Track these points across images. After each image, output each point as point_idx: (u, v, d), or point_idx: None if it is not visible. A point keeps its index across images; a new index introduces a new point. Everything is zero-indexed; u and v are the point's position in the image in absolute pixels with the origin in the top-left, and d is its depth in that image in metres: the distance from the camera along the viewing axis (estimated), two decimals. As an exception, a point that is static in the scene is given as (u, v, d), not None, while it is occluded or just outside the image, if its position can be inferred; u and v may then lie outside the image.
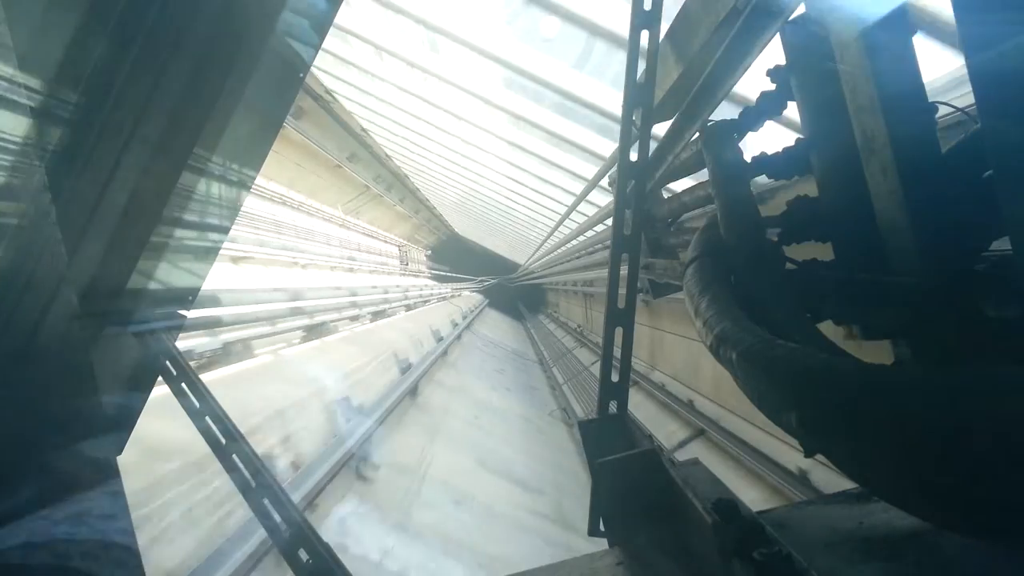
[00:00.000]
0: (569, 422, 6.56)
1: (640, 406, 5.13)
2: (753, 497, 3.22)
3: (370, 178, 12.03)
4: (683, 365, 5.10)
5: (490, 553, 3.07)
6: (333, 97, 7.97)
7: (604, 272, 6.78)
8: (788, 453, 3.15)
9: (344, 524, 2.72)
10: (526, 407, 7.23)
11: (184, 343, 3.82)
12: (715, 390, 4.33)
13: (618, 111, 1.73)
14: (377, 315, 8.44)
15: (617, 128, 1.74)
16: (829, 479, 2.90)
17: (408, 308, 10.69)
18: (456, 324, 11.28)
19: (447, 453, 4.37)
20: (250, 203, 7.17)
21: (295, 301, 5.84)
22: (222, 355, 4.18)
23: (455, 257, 24.21)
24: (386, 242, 15.78)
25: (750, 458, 3.45)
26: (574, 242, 7.39)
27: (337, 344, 5.78)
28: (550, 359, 10.74)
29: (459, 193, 10.57)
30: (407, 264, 17.57)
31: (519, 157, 5.49)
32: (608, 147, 4.20)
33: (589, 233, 6.32)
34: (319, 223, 10.28)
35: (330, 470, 2.99)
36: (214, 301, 4.30)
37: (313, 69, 7.16)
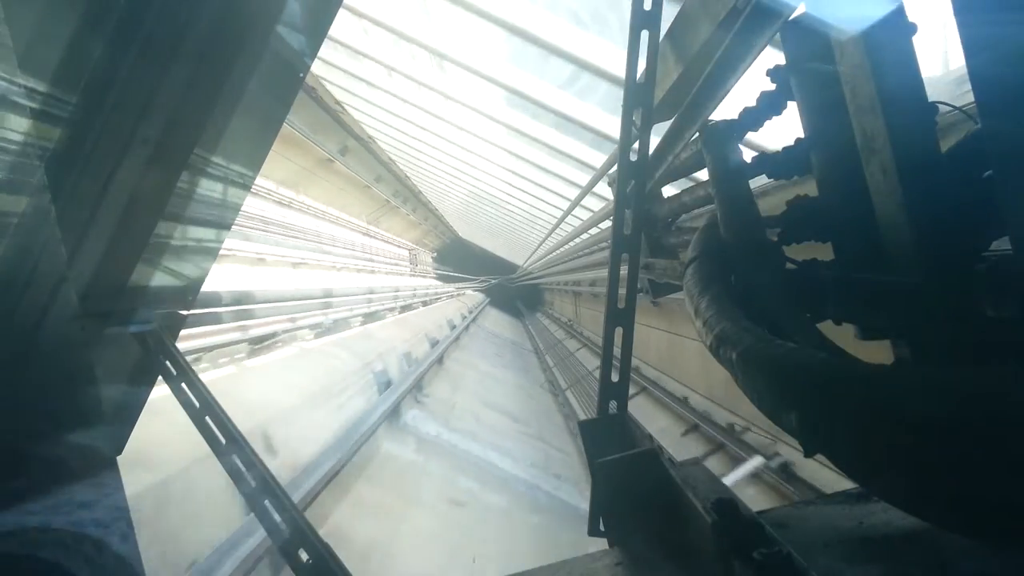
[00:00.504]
0: (554, 392, 8.77)
1: None
2: (666, 424, 4.82)
3: (390, 194, 14.77)
4: (637, 343, 6.81)
5: (497, 443, 5.38)
6: (372, 139, 10.23)
7: (591, 273, 7.87)
8: (692, 395, 4.99)
9: (414, 419, 5.09)
10: (520, 379, 9.71)
11: (316, 318, 6.95)
12: (657, 360, 6.26)
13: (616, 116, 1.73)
14: (405, 308, 11.74)
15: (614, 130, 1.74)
16: (703, 403, 4.69)
17: (424, 304, 13.76)
18: (464, 317, 14.09)
19: (466, 398, 6.84)
20: (304, 221, 10.31)
21: (358, 294, 9.44)
22: (334, 327, 7.26)
23: (459, 259, 26.29)
24: (399, 247, 18.70)
25: (669, 400, 5.28)
26: (570, 244, 8.42)
27: (388, 326, 8.96)
28: (543, 347, 13.04)
29: (463, 198, 11.83)
30: (416, 266, 20.21)
31: (522, 148, 5.82)
32: (607, 146, 4.41)
33: (584, 236, 7.05)
34: (350, 233, 13.36)
35: (404, 391, 5.43)
36: (325, 294, 7.76)
37: (358, 115, 8.64)
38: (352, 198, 12.82)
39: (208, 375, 3.98)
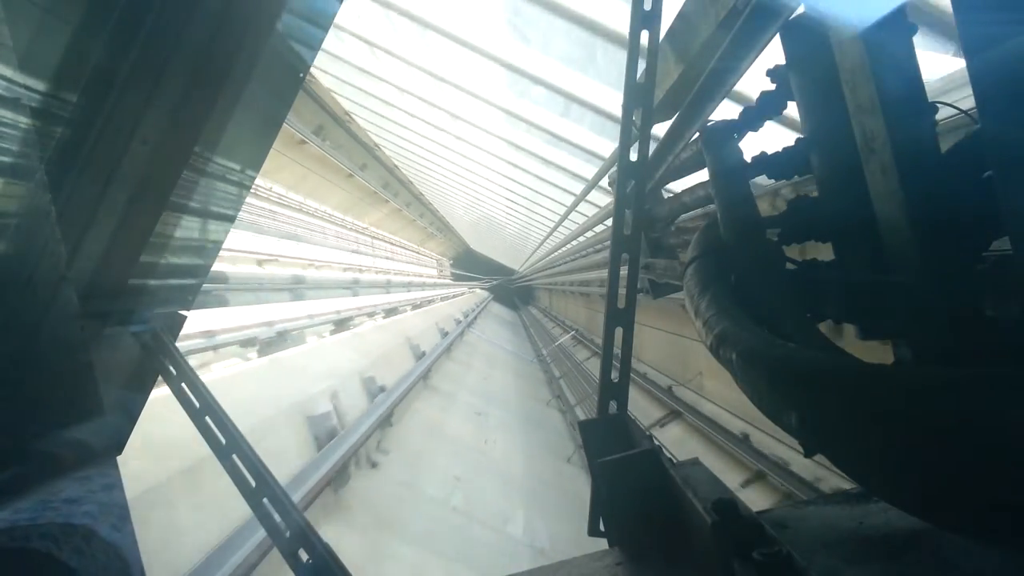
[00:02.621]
0: (533, 341, 16.42)
1: (588, 357, 10.33)
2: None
3: (434, 231, 23.97)
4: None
5: (502, 344, 14.57)
6: (425, 198, 17.36)
7: (566, 276, 13.23)
8: (655, 373, 6.59)
9: (471, 333, 13.27)
10: (512, 334, 17.98)
11: (404, 296, 15.42)
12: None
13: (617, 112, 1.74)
14: (442, 299, 18.17)
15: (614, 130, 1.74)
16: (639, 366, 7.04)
17: (455, 297, 21.29)
18: (479, 304, 21.76)
19: (488, 334, 14.89)
20: (392, 249, 19.07)
21: (412, 289, 17.63)
22: (409, 308, 12.52)
23: (469, 264, 34.75)
24: (430, 258, 27.40)
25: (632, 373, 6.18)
26: (553, 255, 12.04)
27: (435, 308, 14.23)
28: (528, 324, 21.34)
29: (474, 218, 16.01)
30: (441, 271, 29.19)
31: (516, 174, 7.07)
32: (587, 171, 5.08)
33: (563, 249, 9.79)
34: (405, 252, 21.39)
35: (443, 350, 8.76)
36: (388, 285, 15.79)
37: (407, 171, 13.91)
38: (414, 236, 22.47)
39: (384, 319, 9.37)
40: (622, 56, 1.63)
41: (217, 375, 4.03)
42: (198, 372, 1.35)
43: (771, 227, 1.12)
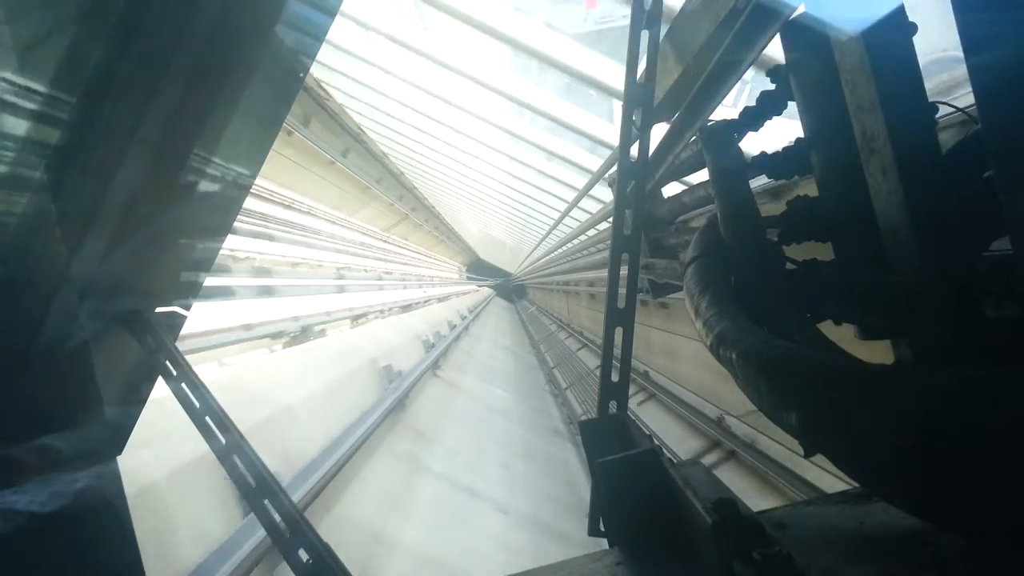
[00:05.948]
0: (521, 320, 23.03)
1: (539, 315, 18.67)
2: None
3: (459, 250, 31.56)
4: (591, 324, 10.05)
5: (501, 322, 20.42)
6: (456, 232, 24.88)
7: (550, 278, 17.62)
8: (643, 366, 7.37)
9: (484, 310, 20.24)
10: (508, 316, 24.65)
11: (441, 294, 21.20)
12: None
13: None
14: (463, 294, 23.35)
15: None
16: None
17: (470, 292, 26.91)
18: (487, 298, 27.71)
19: (493, 315, 21.42)
20: (436, 262, 28.45)
21: (447, 286, 25.08)
22: (454, 296, 21.29)
23: (479, 270, 44.89)
24: (453, 265, 35.32)
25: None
26: (542, 260, 14.42)
27: (459, 299, 19.47)
28: (520, 311, 27.47)
29: (482, 234, 21.08)
30: (460, 275, 38.07)
31: (513, 194, 8.36)
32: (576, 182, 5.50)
33: (551, 255, 11.64)
34: (444, 263, 28.82)
35: (468, 324, 12.97)
36: (430, 281, 22.91)
37: (435, 203, 18.47)
38: (447, 249, 28.78)
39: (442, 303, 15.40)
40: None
41: (376, 324, 7.77)
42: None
43: (771, 227, 1.12)
